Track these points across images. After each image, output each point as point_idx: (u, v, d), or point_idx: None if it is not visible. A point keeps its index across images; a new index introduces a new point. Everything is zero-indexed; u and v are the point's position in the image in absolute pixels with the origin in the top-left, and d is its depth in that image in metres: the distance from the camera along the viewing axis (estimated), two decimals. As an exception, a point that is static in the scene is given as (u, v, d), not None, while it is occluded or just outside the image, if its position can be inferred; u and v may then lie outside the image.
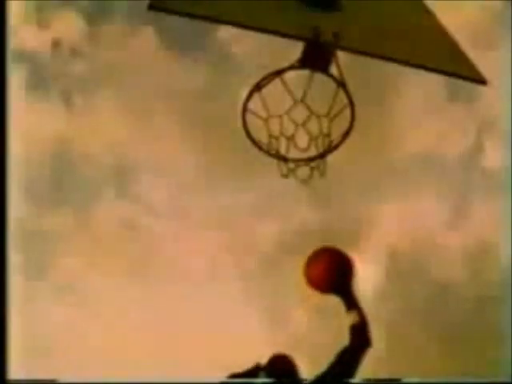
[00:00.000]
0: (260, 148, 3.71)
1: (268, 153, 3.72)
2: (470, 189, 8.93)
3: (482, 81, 3.75)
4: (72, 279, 8.88)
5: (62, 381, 3.42)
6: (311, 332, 8.12)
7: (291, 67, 3.58)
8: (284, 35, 3.47)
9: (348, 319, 3.17)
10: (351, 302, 3.21)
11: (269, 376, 3.10)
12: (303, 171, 3.75)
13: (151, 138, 9.02)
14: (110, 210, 9.30)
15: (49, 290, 8.67)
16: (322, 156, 3.67)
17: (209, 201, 8.93)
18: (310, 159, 3.68)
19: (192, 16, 3.33)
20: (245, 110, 3.61)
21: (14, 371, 3.29)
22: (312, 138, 3.68)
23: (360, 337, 3.13)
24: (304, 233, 8.60)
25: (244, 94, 3.68)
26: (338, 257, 3.23)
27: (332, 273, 3.17)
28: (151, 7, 3.13)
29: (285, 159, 3.72)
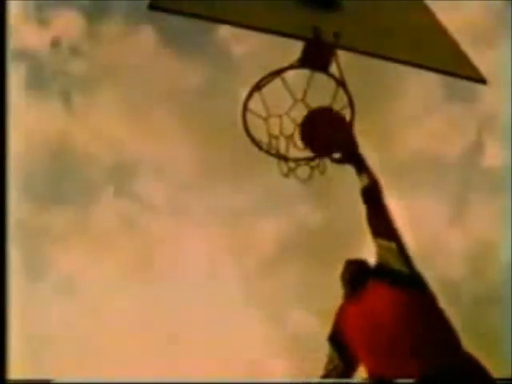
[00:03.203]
0: (260, 147, 3.70)
1: (268, 152, 3.72)
2: (469, 188, 8.92)
3: (481, 80, 3.75)
4: (72, 278, 8.88)
5: (63, 381, 3.42)
6: (311, 332, 8.12)
7: (291, 67, 3.58)
8: (284, 35, 3.47)
9: (360, 183, 3.19)
10: (360, 166, 3.24)
11: None
12: (304, 170, 3.75)
13: (151, 137, 9.02)
14: (109, 209, 9.30)
15: (49, 289, 8.67)
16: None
17: (209, 200, 8.93)
18: (311, 158, 3.68)
19: (192, 16, 3.33)
20: (245, 109, 3.60)
21: (14, 371, 3.29)
22: None
23: (372, 198, 3.13)
24: (304, 232, 8.59)
25: (244, 93, 3.68)
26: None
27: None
28: (151, 7, 3.13)
29: (285, 158, 3.71)
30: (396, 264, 2.95)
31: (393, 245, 3.00)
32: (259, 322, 8.54)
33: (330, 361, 3.12)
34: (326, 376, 3.11)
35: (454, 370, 2.55)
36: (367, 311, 2.87)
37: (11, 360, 3.25)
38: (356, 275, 3.07)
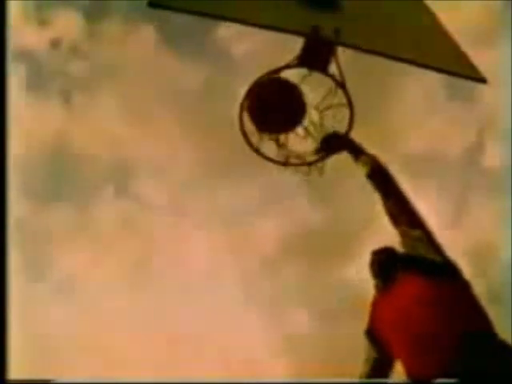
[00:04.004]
0: (255, 150, 3.62)
1: (263, 155, 3.63)
2: (470, 188, 8.92)
3: (481, 79, 3.74)
4: (72, 278, 8.88)
5: (62, 381, 3.41)
6: (311, 332, 8.12)
7: (289, 66, 3.53)
8: (283, 31, 3.44)
9: (362, 170, 2.98)
10: (356, 151, 3.06)
11: None
12: (302, 169, 3.70)
13: (151, 137, 9.02)
14: (109, 209, 9.30)
15: (49, 290, 8.67)
16: (322, 158, 3.60)
17: (209, 200, 8.93)
18: (310, 163, 3.60)
19: (191, 13, 3.32)
20: (242, 109, 3.56)
21: (14, 371, 3.28)
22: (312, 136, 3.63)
23: (381, 182, 2.95)
24: (304, 232, 8.59)
25: (244, 92, 3.65)
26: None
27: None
28: (151, 5, 3.13)
29: (284, 164, 3.64)
30: (426, 252, 2.76)
31: (417, 232, 2.82)
32: (259, 322, 8.55)
33: (367, 355, 2.94)
34: (363, 372, 2.93)
35: (496, 366, 2.38)
36: (399, 305, 2.68)
37: (11, 360, 3.24)
38: (385, 266, 2.86)
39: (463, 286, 2.72)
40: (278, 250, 8.86)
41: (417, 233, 2.82)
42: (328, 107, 3.54)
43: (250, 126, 3.55)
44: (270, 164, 3.68)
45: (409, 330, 2.58)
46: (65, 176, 9.16)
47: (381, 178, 2.97)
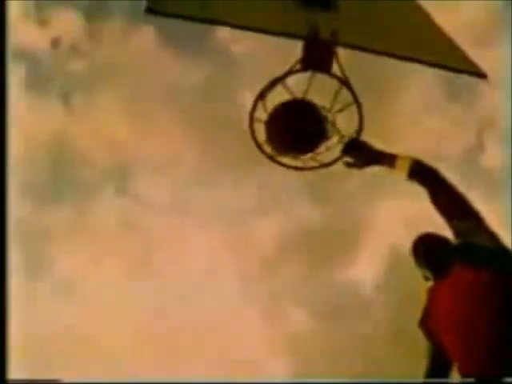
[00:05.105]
0: (270, 157, 3.59)
1: (279, 163, 3.60)
2: (470, 188, 8.91)
3: (482, 75, 3.72)
4: (72, 278, 8.88)
5: (63, 380, 3.42)
6: (311, 332, 8.12)
7: (293, 71, 3.53)
8: (282, 35, 3.46)
9: (400, 175, 2.80)
10: (388, 159, 2.85)
11: None
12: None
13: (151, 137, 9.03)
14: (109, 209, 9.31)
15: (49, 289, 8.67)
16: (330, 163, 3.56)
17: (209, 200, 8.94)
18: (327, 164, 3.56)
19: (189, 19, 3.33)
20: (252, 120, 3.53)
21: (14, 371, 3.28)
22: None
23: (425, 180, 2.74)
24: (304, 232, 8.60)
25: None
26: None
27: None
28: (150, 10, 3.13)
29: (302, 168, 3.61)
30: (482, 242, 2.55)
31: (470, 222, 2.62)
32: (259, 321, 8.55)
33: (426, 347, 2.74)
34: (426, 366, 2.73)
35: None
36: (455, 299, 2.48)
37: (11, 360, 3.25)
38: (438, 254, 2.67)
39: None
40: (277, 249, 8.88)
41: (469, 223, 2.63)
42: (341, 110, 3.55)
43: (261, 136, 3.54)
44: (270, 164, 3.68)
45: (466, 326, 2.41)
46: (65, 176, 9.17)
47: (423, 176, 2.79)
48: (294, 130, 3.33)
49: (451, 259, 2.58)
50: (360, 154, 2.96)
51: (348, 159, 3.04)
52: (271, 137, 3.43)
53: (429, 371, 2.71)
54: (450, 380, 2.70)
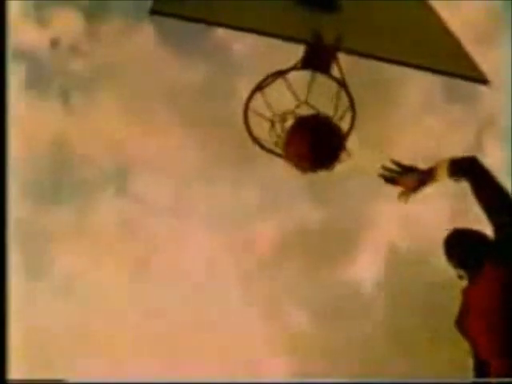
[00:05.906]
0: (266, 148, 3.62)
1: (271, 151, 3.63)
2: (469, 188, 8.89)
3: (483, 81, 3.73)
4: (72, 279, 8.88)
5: (68, 381, 3.42)
6: (311, 332, 8.12)
7: (292, 68, 3.56)
8: (284, 38, 3.47)
9: (440, 180, 2.80)
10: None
11: None
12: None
13: (151, 137, 9.02)
14: (109, 209, 9.30)
15: (49, 289, 8.67)
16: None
17: (209, 200, 8.93)
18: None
19: (192, 20, 3.35)
20: (246, 109, 3.57)
21: (14, 371, 3.29)
22: None
23: (472, 173, 2.70)
24: (304, 233, 8.60)
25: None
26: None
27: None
28: (153, 12, 3.15)
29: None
30: None
31: (506, 216, 2.56)
32: (259, 321, 8.55)
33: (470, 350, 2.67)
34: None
35: None
36: (490, 299, 2.45)
37: (11, 360, 3.25)
38: (471, 254, 2.62)
39: None
40: (277, 249, 8.88)
41: (509, 216, 2.56)
42: (342, 117, 3.55)
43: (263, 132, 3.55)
44: (270, 164, 3.69)
45: (497, 328, 2.40)
46: (65, 175, 9.16)
47: (463, 171, 2.77)
48: (319, 148, 3.30)
49: (484, 258, 2.55)
50: (409, 179, 3.01)
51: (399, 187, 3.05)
52: (292, 151, 3.38)
53: (475, 371, 2.66)
54: (463, 380, 2.74)
